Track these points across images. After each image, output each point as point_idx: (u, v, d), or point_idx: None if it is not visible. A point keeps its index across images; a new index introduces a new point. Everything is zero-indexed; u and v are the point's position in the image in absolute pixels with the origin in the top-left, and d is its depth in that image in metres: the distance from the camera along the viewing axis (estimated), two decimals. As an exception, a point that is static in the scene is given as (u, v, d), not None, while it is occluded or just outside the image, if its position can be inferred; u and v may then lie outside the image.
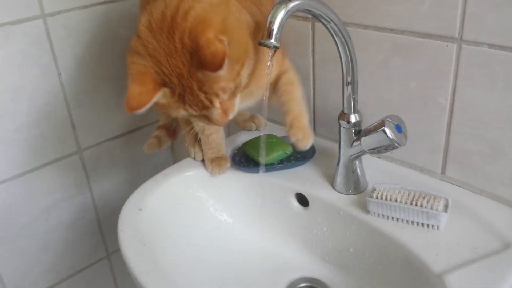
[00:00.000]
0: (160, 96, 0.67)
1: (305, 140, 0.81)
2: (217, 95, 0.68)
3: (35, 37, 0.95)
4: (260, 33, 0.72)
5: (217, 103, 0.69)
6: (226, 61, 0.64)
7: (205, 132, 0.92)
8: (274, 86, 0.85)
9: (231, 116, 0.72)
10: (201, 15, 0.65)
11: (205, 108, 0.69)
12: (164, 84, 0.67)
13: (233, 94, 0.71)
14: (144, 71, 0.66)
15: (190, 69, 0.65)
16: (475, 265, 0.68)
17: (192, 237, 0.90)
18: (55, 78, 1.01)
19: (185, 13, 0.65)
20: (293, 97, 0.84)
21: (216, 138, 0.94)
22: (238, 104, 0.73)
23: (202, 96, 0.67)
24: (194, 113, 0.70)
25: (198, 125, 0.91)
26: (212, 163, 0.95)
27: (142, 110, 0.65)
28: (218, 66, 0.62)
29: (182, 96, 0.67)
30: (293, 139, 0.81)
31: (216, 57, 0.62)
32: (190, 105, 0.68)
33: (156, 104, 0.69)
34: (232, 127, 1.13)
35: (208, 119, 0.71)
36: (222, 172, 0.95)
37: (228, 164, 0.96)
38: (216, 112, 0.69)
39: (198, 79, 0.66)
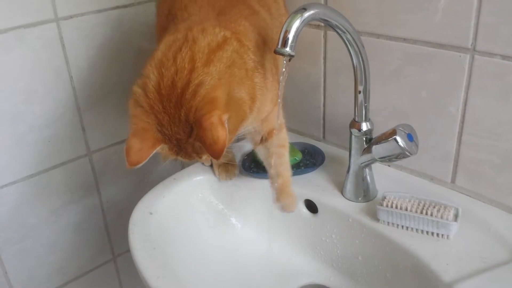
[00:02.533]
0: (157, 149, 0.71)
1: (292, 206, 0.87)
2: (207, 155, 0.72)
3: (48, 40, 0.96)
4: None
5: (204, 157, 0.73)
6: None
7: None
8: (266, 141, 0.88)
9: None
10: (209, 95, 0.67)
11: (194, 159, 0.74)
12: (163, 141, 0.70)
13: None
14: (146, 128, 0.69)
15: (189, 139, 0.69)
16: (485, 275, 0.68)
17: (202, 242, 0.90)
18: (66, 81, 1.01)
19: (194, 90, 0.67)
20: (284, 161, 0.87)
21: None
22: None
23: (194, 155, 0.72)
24: (184, 161, 0.74)
25: None
26: (219, 168, 0.95)
27: (140, 165, 0.69)
28: (218, 153, 0.65)
29: (177, 151, 0.72)
30: (281, 204, 0.87)
31: (217, 144, 0.64)
32: (182, 157, 0.73)
33: None
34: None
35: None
36: (229, 179, 0.95)
37: (236, 170, 0.96)
38: (203, 159, 0.75)
39: (194, 146, 0.70)
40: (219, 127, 0.64)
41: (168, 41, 0.72)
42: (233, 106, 0.69)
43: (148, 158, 0.69)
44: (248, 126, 0.77)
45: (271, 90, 0.80)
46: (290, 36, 0.66)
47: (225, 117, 0.66)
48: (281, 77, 0.72)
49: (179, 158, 0.73)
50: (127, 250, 1.25)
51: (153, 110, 0.69)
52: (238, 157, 1.00)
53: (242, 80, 0.72)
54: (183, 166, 1.26)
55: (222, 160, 0.94)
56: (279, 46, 0.66)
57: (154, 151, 0.70)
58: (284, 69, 0.70)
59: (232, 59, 0.71)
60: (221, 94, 0.68)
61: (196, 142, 0.69)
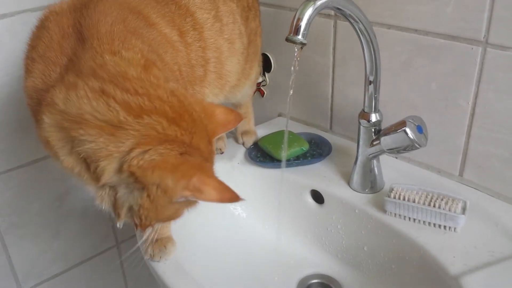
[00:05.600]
0: None
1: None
2: None
3: (55, 24, 0.95)
4: None
5: None
6: None
7: None
8: None
9: None
10: None
11: None
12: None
13: None
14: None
15: None
16: (492, 268, 0.68)
17: (207, 230, 0.90)
18: (73, 66, 1.01)
19: None
20: None
21: None
22: None
23: None
24: None
25: None
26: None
27: None
28: None
29: None
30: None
31: None
32: None
33: None
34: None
35: None
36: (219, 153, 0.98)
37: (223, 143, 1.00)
38: None
39: None
40: None
41: None
42: None
43: None
44: None
45: None
46: (303, 24, 0.65)
47: None
48: (292, 68, 0.71)
49: None
50: (131, 237, 1.26)
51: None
52: (243, 149, 0.99)
53: None
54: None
55: None
56: (291, 34, 0.66)
57: None
58: (295, 59, 0.69)
59: None
60: None
61: None
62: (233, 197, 0.55)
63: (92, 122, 0.51)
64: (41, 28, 0.63)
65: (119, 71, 0.54)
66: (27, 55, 0.62)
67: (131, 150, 0.51)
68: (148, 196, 0.53)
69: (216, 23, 0.78)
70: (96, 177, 0.54)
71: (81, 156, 0.53)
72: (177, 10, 0.72)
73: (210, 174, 0.55)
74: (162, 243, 0.76)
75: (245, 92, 0.97)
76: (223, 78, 0.82)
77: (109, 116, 0.51)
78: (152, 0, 0.69)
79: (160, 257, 0.75)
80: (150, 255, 0.75)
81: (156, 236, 0.75)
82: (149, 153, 0.51)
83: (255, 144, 1.00)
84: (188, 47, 0.72)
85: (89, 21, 0.60)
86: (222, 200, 0.54)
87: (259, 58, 0.99)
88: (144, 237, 0.74)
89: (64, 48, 0.57)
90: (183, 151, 0.54)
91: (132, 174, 0.51)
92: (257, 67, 0.98)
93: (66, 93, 0.53)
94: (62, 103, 0.52)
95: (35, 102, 0.56)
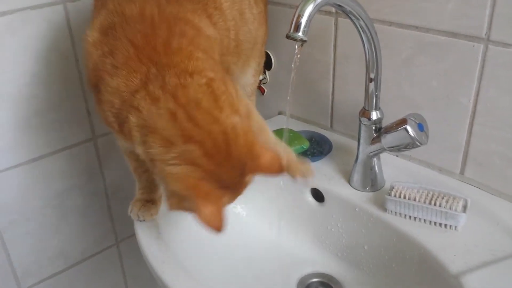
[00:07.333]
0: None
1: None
2: None
3: (55, 22, 0.95)
4: None
5: None
6: None
7: None
8: None
9: None
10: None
11: None
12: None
13: None
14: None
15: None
16: (493, 267, 0.68)
17: (207, 229, 0.90)
18: (72, 64, 1.00)
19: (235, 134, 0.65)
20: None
21: None
22: None
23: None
24: None
25: None
26: None
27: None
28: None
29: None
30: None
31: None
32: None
33: None
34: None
35: None
36: None
37: None
38: None
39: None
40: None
41: None
42: None
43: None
44: None
45: None
46: (303, 20, 0.65)
47: None
48: (293, 65, 0.71)
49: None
50: (130, 235, 1.26)
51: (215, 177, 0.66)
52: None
53: None
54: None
55: None
56: (291, 30, 0.65)
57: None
58: (296, 56, 0.69)
59: None
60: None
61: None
62: (218, 228, 0.63)
63: (161, 135, 0.64)
64: (110, 35, 0.70)
65: (196, 98, 0.64)
66: (103, 60, 0.69)
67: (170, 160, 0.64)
68: (167, 196, 0.68)
69: None
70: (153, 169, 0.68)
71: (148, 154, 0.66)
72: None
73: (214, 201, 0.63)
74: (147, 206, 0.84)
75: (247, 78, 0.96)
76: (240, 45, 0.86)
77: (171, 135, 0.63)
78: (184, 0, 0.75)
79: (144, 218, 0.83)
80: (137, 215, 0.83)
81: (143, 197, 0.86)
82: (178, 168, 0.63)
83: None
84: (216, 26, 0.79)
85: (157, 33, 0.68)
86: (208, 225, 0.62)
87: (263, 44, 0.98)
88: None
89: (142, 58, 0.66)
90: (203, 177, 0.63)
91: (164, 178, 0.65)
92: (260, 53, 0.98)
93: (150, 105, 0.64)
94: (146, 113, 0.64)
95: (119, 100, 0.67)
